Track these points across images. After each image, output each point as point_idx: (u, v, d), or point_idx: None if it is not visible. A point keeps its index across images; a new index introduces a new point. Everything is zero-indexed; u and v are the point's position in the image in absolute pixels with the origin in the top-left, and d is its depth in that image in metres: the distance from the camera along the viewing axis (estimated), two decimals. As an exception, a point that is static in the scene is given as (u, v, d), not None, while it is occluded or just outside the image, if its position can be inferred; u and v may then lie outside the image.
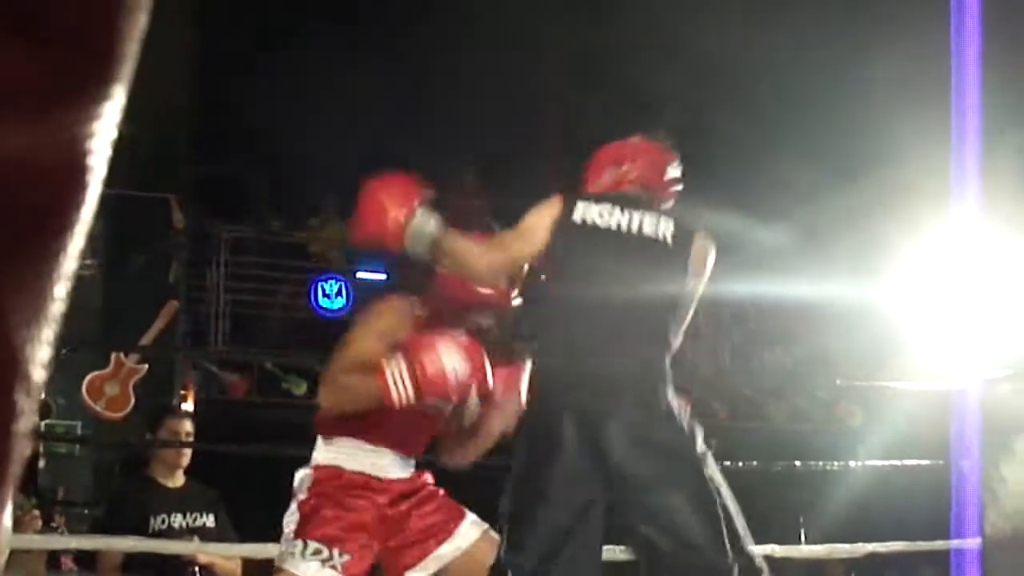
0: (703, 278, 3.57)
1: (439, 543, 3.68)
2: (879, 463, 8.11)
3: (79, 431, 9.83)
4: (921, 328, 8.15)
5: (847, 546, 6.03)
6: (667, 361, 3.47)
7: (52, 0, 0.51)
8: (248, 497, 5.85)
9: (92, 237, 0.57)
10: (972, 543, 5.36)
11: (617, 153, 3.73)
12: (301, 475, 3.70)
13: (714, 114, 10.59)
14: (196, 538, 5.11)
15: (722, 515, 3.28)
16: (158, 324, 8.22)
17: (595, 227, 3.48)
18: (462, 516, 3.76)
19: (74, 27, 0.52)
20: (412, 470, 3.78)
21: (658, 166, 3.72)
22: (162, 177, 10.05)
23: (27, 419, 0.52)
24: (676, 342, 3.52)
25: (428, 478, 3.83)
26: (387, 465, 3.68)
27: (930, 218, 7.21)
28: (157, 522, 5.14)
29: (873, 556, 6.03)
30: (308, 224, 11.97)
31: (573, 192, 3.63)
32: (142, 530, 5.02)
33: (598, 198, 3.56)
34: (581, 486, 3.31)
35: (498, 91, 11.60)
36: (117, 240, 9.59)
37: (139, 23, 0.54)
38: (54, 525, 7.21)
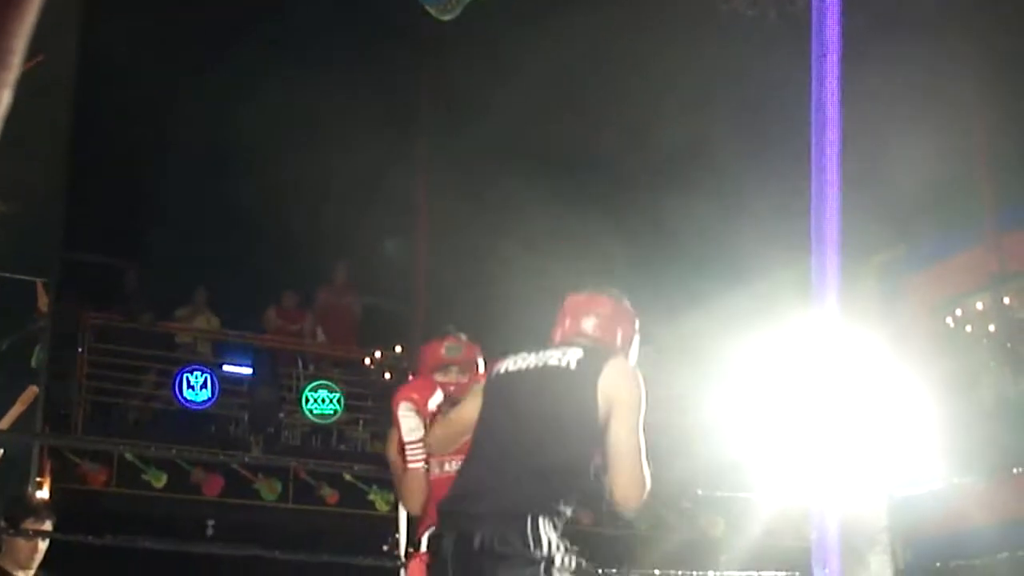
0: (624, 398, 3.45)
1: None
2: (739, 574, 8.17)
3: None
4: (781, 441, 8.26)
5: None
6: (558, 499, 3.40)
7: None
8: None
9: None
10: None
11: (583, 308, 3.70)
12: None
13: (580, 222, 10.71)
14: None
15: None
16: (16, 409, 8.02)
17: (504, 372, 3.53)
18: None
19: None
20: None
21: (614, 319, 3.68)
22: (29, 260, 9.85)
23: None
24: (581, 477, 3.49)
25: None
26: None
27: (791, 334, 7.35)
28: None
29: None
30: (176, 315, 11.80)
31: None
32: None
33: (529, 346, 3.58)
34: None
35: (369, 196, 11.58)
36: (-22, 322, 9.37)
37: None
38: None
